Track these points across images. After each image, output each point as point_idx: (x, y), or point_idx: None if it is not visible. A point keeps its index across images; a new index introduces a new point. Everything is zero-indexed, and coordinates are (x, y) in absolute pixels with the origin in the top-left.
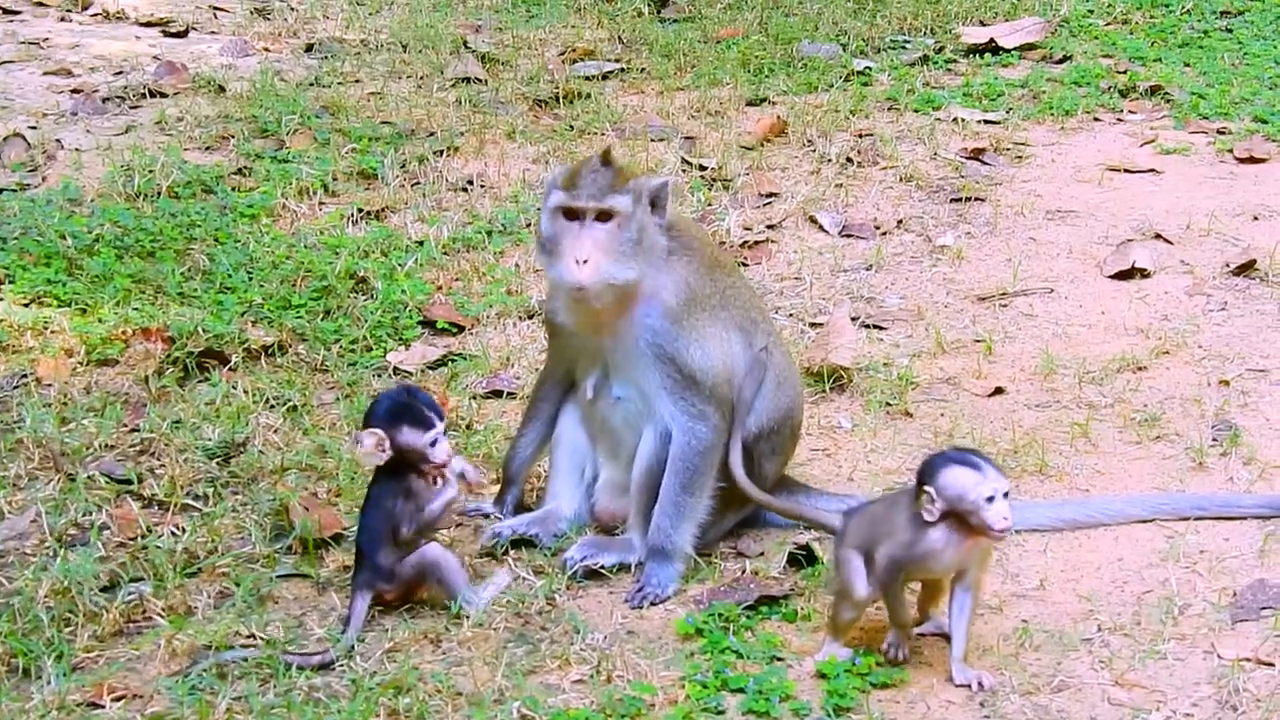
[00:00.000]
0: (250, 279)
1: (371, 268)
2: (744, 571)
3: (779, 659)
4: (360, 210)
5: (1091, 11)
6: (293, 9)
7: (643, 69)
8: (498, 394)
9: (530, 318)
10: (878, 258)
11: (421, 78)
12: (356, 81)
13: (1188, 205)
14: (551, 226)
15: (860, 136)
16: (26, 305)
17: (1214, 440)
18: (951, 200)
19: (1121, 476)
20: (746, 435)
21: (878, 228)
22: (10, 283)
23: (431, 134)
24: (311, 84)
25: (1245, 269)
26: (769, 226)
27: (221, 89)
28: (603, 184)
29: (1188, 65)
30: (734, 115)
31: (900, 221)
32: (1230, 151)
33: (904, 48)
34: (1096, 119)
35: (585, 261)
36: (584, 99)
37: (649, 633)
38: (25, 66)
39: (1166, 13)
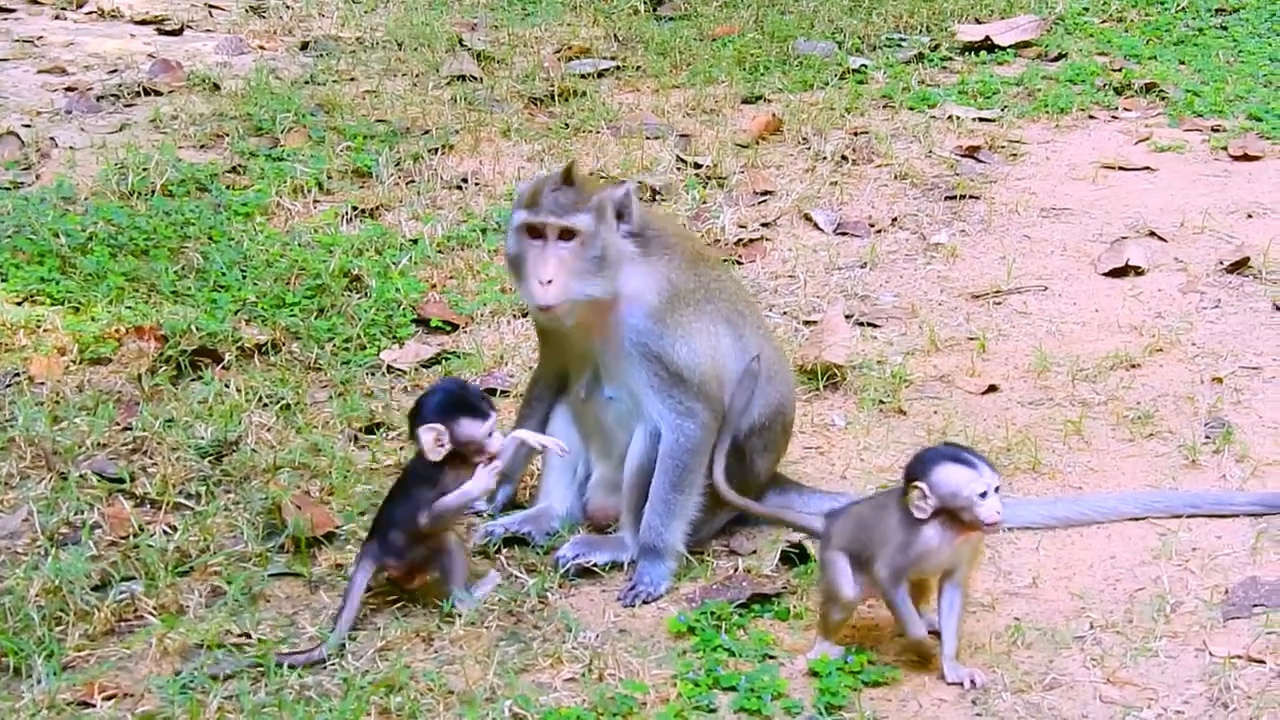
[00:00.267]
0: (244, 277)
1: (365, 266)
2: (736, 569)
3: (771, 657)
4: (355, 208)
5: (1087, 9)
6: (288, 7)
7: (638, 67)
8: (491, 392)
9: (524, 316)
10: (872, 255)
11: (417, 76)
12: (351, 79)
13: (1182, 203)
14: (516, 245)
15: (855, 134)
16: (19, 303)
17: (1207, 438)
18: (946, 198)
19: (1114, 474)
20: (737, 431)
21: (872, 225)
22: (3, 281)
23: (426, 132)
24: (306, 82)
25: (1239, 266)
26: (764, 224)
27: (216, 87)
28: (564, 202)
29: (1183, 63)
30: (729, 113)
31: (895, 219)
32: (1224, 149)
33: (899, 45)
34: (1091, 117)
35: (549, 282)
36: (579, 97)
37: (641, 631)
38: (20, 64)
39: (1161, 10)
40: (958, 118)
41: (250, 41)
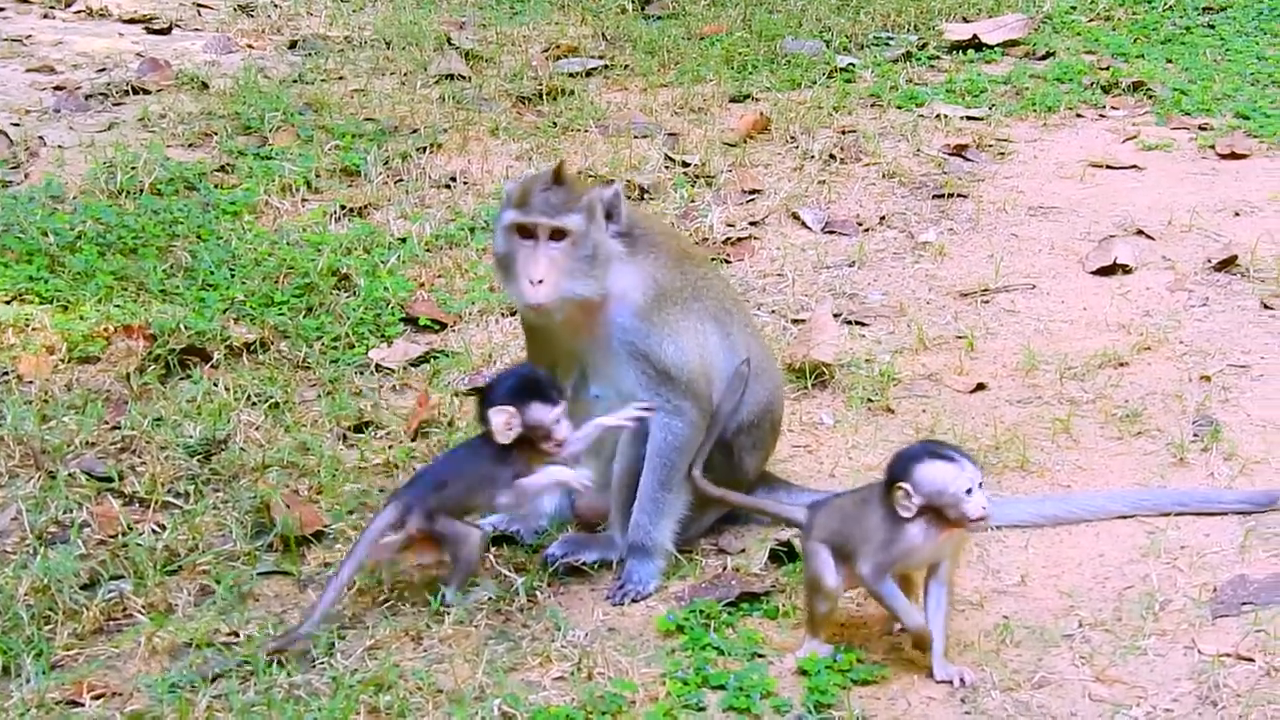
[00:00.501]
0: (232, 276)
1: (354, 265)
2: (725, 568)
3: (760, 655)
4: (343, 207)
5: (1074, 8)
6: (276, 6)
7: (626, 66)
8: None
9: (512, 314)
10: (860, 254)
11: (405, 74)
12: (340, 78)
13: (1169, 201)
14: (506, 244)
15: (843, 133)
16: (8, 302)
17: (1195, 436)
18: (934, 196)
19: (1103, 472)
20: (725, 430)
21: (860, 224)
22: None
23: (415, 131)
24: (295, 81)
25: (1226, 264)
26: (752, 223)
27: (205, 86)
28: (555, 202)
29: (1170, 61)
30: (717, 112)
31: (883, 218)
32: (1212, 147)
33: (887, 44)
34: (1079, 115)
35: (540, 281)
36: (567, 96)
37: (630, 629)
38: (8, 63)
39: (1149, 9)
40: (945, 116)
41: (238, 40)
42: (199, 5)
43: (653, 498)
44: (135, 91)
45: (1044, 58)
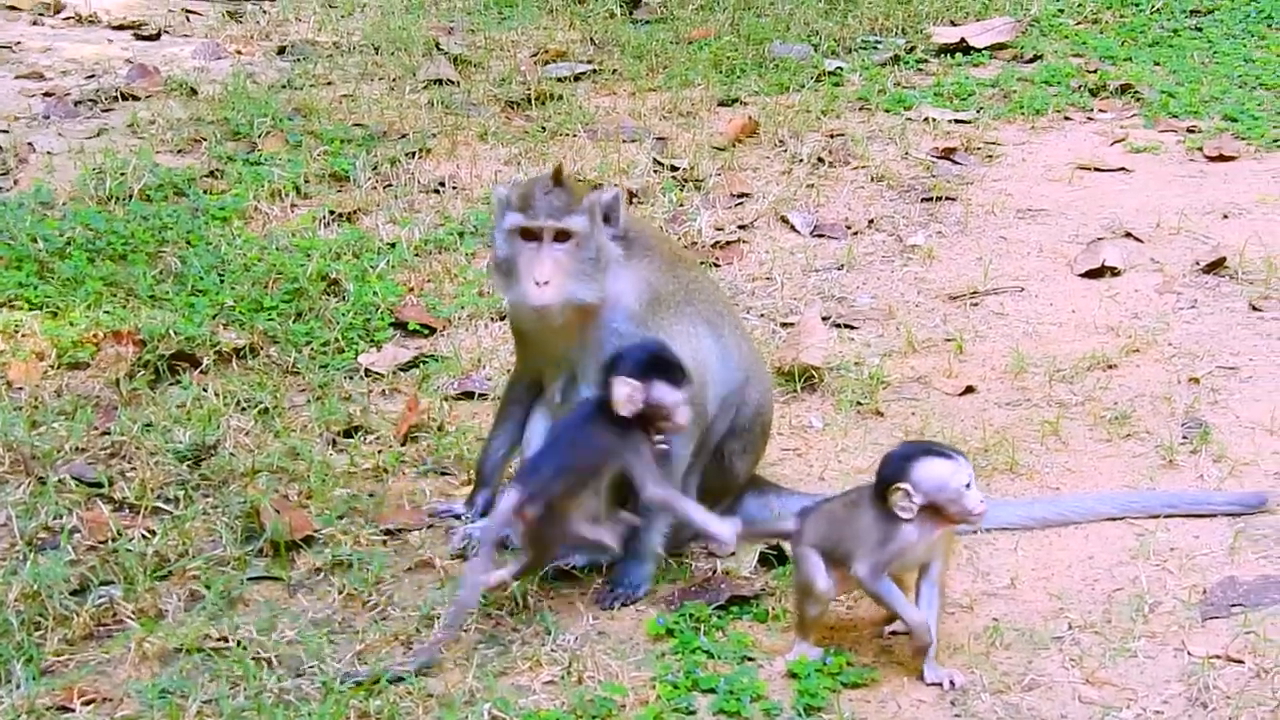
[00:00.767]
0: (222, 281)
1: (343, 270)
2: (715, 571)
3: (750, 659)
4: (332, 212)
5: (1062, 11)
6: (265, 12)
7: (615, 70)
8: (469, 395)
9: (502, 319)
10: (849, 257)
11: (394, 80)
12: (329, 84)
13: (1158, 203)
14: (508, 248)
15: (831, 136)
16: None
17: (1184, 438)
18: (922, 200)
19: (1092, 474)
20: (716, 432)
21: (849, 227)
22: None
23: (404, 136)
24: (283, 86)
25: (1215, 267)
26: (740, 227)
27: (194, 92)
28: (559, 204)
29: (1158, 64)
30: (706, 116)
31: (871, 221)
32: (1200, 150)
33: (875, 48)
34: (1067, 118)
35: (546, 283)
36: (556, 100)
37: (620, 633)
38: None
39: (1136, 12)
40: (934, 120)
41: (227, 46)
42: (188, 11)
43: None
44: (124, 98)
45: (1031, 61)
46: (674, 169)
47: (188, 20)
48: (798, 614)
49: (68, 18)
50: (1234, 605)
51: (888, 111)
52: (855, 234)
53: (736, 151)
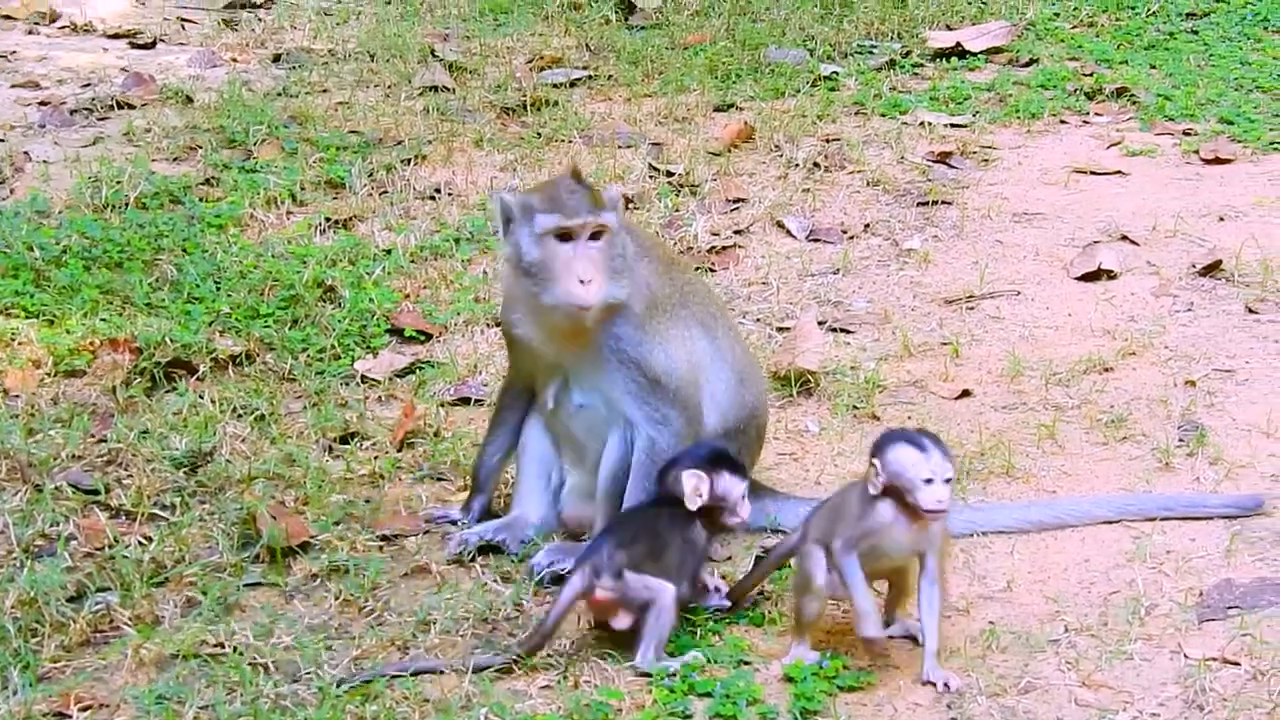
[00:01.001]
0: (218, 289)
1: (339, 276)
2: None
3: (746, 663)
4: (328, 219)
5: (1058, 15)
6: (260, 20)
7: (610, 76)
8: (465, 401)
9: (497, 325)
10: (845, 262)
11: (389, 87)
12: (324, 91)
13: (1154, 206)
14: (540, 251)
15: (827, 141)
16: None
17: (1180, 440)
18: (918, 204)
19: (1088, 477)
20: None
21: (845, 232)
22: None
23: (399, 142)
24: (279, 94)
25: (1211, 269)
26: (736, 232)
27: (189, 100)
28: (590, 202)
29: (1154, 67)
30: (701, 121)
31: (867, 225)
32: (1196, 153)
33: (871, 52)
34: (1063, 121)
35: (590, 281)
36: (552, 106)
37: (616, 637)
38: None
39: (1132, 15)
40: (929, 124)
41: (223, 54)
42: (183, 20)
43: None
44: (120, 106)
45: (1028, 64)
46: (669, 174)
47: (183, 28)
48: (795, 614)
49: (63, 26)
50: (1230, 608)
51: (883, 116)
52: (851, 238)
53: (732, 157)
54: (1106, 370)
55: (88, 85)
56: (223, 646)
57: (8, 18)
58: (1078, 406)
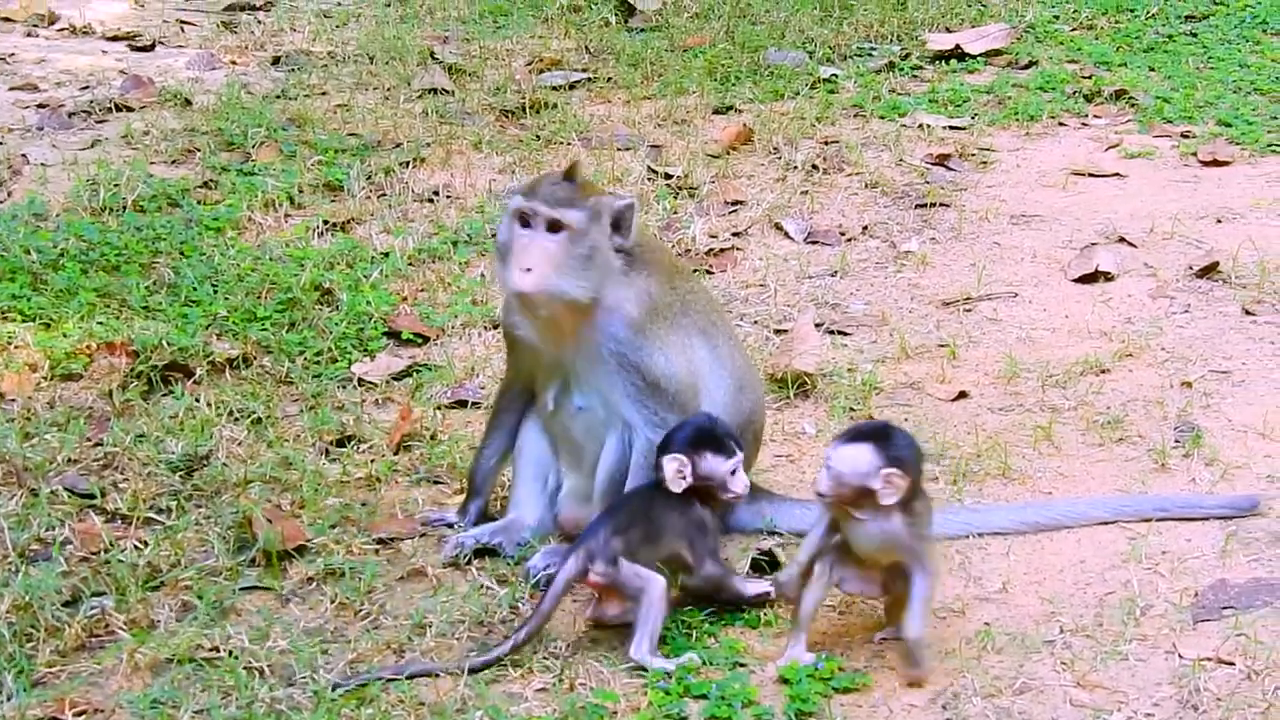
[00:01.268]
0: (215, 292)
1: (337, 279)
2: None
3: (742, 664)
4: (326, 222)
5: (1057, 17)
6: (260, 22)
7: (610, 78)
8: (462, 404)
9: (495, 328)
10: (843, 264)
11: (388, 89)
12: (323, 94)
13: (1151, 209)
14: (507, 232)
15: (826, 143)
16: None
17: (1176, 442)
18: (916, 206)
19: (1084, 479)
20: None
21: (843, 234)
22: None
23: (398, 145)
24: (278, 97)
25: (1208, 271)
26: (735, 234)
27: (188, 102)
28: (559, 196)
29: (1152, 70)
30: (700, 123)
31: (865, 228)
32: (1194, 155)
33: (870, 55)
34: (1061, 124)
35: (529, 270)
36: (551, 109)
37: (612, 640)
38: None
39: (1132, 18)
40: (928, 126)
41: (222, 57)
42: (182, 22)
43: None
44: (118, 109)
45: (1027, 67)
46: (668, 177)
47: (182, 31)
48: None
49: (62, 29)
50: (1225, 608)
51: (882, 118)
52: (849, 240)
53: (731, 159)
54: (1103, 372)
55: (86, 88)
56: (218, 650)
57: (6, 20)
58: (1074, 408)
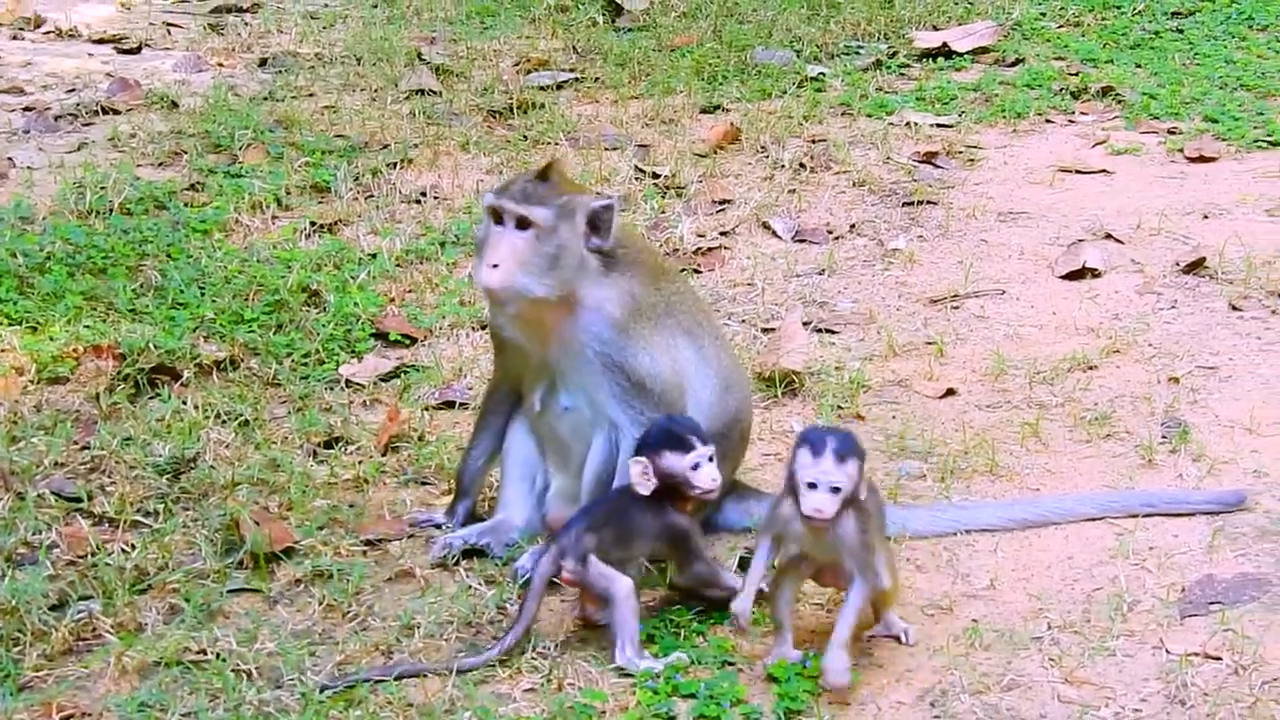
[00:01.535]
0: (202, 294)
1: (324, 281)
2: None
3: (730, 663)
4: (313, 224)
5: (1044, 14)
6: (246, 24)
7: (597, 78)
8: (450, 405)
9: (483, 328)
10: (830, 262)
11: (375, 90)
12: (310, 95)
13: (1138, 205)
14: (483, 227)
15: (813, 142)
16: None
17: (1163, 437)
18: (904, 204)
19: (1071, 475)
20: None
21: (830, 232)
22: None
23: (385, 146)
24: (265, 98)
25: (1195, 267)
26: (722, 233)
27: (174, 105)
28: (529, 193)
29: (1139, 66)
30: (688, 123)
31: (853, 226)
32: (1181, 151)
33: (857, 53)
34: (1048, 121)
35: (496, 266)
36: (538, 109)
37: (600, 640)
38: None
39: (1118, 14)
40: (915, 124)
41: (209, 59)
42: (169, 25)
43: None
44: (105, 111)
45: (1013, 64)
46: (656, 176)
47: (169, 33)
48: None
49: (48, 32)
50: (1212, 603)
51: (869, 116)
52: (837, 239)
53: (718, 158)
54: (1090, 368)
55: (72, 90)
56: (205, 653)
57: None
58: (1061, 404)
